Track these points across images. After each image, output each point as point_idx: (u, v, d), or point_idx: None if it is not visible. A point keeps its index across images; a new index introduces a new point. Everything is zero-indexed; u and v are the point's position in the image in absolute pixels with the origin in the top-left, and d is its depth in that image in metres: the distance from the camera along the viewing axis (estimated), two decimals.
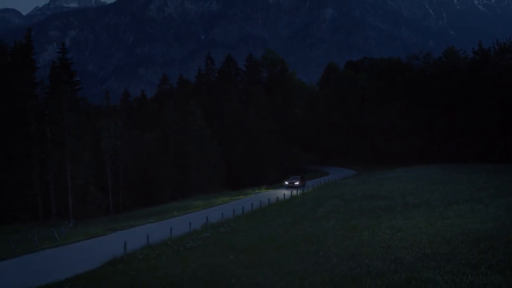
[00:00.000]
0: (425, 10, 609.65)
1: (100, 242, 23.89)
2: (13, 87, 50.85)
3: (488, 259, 12.46)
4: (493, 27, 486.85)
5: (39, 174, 50.91)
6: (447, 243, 14.92)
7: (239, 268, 15.27)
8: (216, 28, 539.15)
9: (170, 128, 71.84)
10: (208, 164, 67.13)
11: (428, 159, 68.92)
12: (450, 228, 17.44)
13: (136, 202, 59.24)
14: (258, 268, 15.02)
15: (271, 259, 16.08)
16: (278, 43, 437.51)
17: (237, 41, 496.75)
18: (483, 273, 11.27)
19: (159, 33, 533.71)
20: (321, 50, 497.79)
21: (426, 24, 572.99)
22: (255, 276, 13.89)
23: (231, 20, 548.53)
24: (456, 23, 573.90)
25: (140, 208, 47.43)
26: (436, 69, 79.17)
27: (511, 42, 70.20)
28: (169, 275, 15.09)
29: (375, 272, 12.47)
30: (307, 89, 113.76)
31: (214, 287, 13.27)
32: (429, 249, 14.49)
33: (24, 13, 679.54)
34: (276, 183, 58.90)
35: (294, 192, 43.12)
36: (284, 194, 40.10)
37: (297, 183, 52.09)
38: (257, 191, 50.69)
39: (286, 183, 53.46)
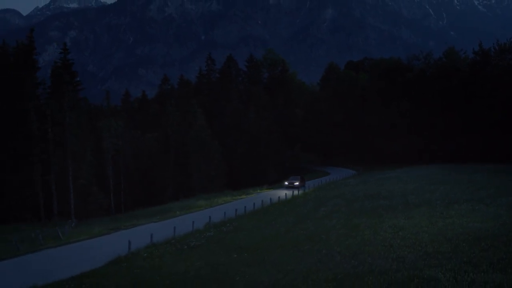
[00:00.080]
0: (425, 10, 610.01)
1: (104, 241, 24.02)
2: (15, 87, 50.96)
3: (489, 257, 12.61)
4: (493, 28, 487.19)
5: (41, 174, 51.00)
6: (449, 242, 15.08)
7: (242, 266, 15.40)
8: (216, 28, 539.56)
9: (171, 128, 72.04)
10: (209, 164, 67.25)
11: (428, 159, 69.04)
12: (451, 227, 17.60)
13: (137, 202, 59.37)
14: (261, 266, 15.15)
15: (274, 258, 16.21)
16: (278, 44, 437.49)
17: (237, 41, 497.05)
18: (484, 271, 11.41)
19: (159, 34, 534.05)
20: (321, 51, 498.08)
21: (426, 24, 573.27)
22: (259, 274, 14.03)
23: (231, 20, 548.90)
24: (456, 23, 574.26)
25: (142, 208, 47.53)
26: (436, 70, 79.30)
27: (511, 43, 70.35)
28: (173, 274, 15.22)
29: (377, 270, 12.63)
30: (307, 89, 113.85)
31: (218, 285, 13.38)
32: (431, 247, 14.65)
33: (24, 13, 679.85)
34: (277, 183, 58.94)
35: (296, 192, 43.22)
36: (285, 194, 40.25)
37: (297, 183, 51.59)
38: (258, 191, 50.77)
39: (286, 183, 53.05)
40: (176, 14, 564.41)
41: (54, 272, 16.52)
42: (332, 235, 18.83)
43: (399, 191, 31.94)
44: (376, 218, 21.62)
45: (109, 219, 42.12)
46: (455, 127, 70.84)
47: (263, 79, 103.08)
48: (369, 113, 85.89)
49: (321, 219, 23.71)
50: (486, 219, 18.36)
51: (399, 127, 78.92)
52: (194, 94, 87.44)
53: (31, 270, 17.46)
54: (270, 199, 36.65)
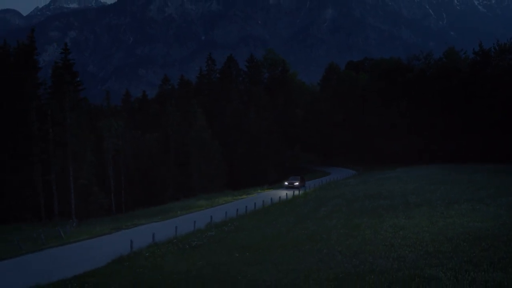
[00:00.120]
0: (425, 11, 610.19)
1: (106, 240, 24.09)
2: (15, 87, 51.02)
3: (490, 256, 12.71)
4: (493, 28, 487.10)
5: (42, 174, 51.06)
6: (449, 241, 15.18)
7: (244, 265, 15.47)
8: (216, 28, 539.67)
9: (171, 128, 72.10)
10: (209, 165, 67.31)
11: (428, 159, 69.13)
12: (452, 226, 17.71)
13: (138, 202, 59.39)
14: (263, 265, 15.22)
15: (275, 257, 16.30)
16: (278, 44, 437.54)
17: (237, 41, 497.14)
18: (485, 270, 11.51)
19: (159, 34, 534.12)
20: (321, 51, 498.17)
21: (426, 25, 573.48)
22: (260, 273, 14.10)
23: (231, 20, 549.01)
24: (456, 23, 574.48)
25: (142, 208, 47.58)
26: (436, 70, 79.40)
27: (511, 43, 70.44)
28: (175, 273, 15.29)
29: (378, 269, 12.72)
30: (307, 89, 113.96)
31: (220, 284, 13.44)
32: (432, 247, 14.75)
33: (24, 13, 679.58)
34: (277, 183, 58.99)
35: (296, 192, 43.29)
36: (286, 194, 40.37)
37: (297, 183, 51.44)
38: (259, 191, 50.83)
39: (286, 183, 52.89)
40: (176, 14, 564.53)
41: (57, 272, 16.59)
42: (333, 235, 18.91)
43: (399, 191, 32.06)
44: (377, 218, 21.73)
45: (110, 219, 42.17)
46: (455, 127, 70.93)
47: (263, 79, 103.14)
48: (369, 113, 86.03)
49: (322, 219, 23.81)
50: (486, 219, 18.47)
51: (399, 127, 79.05)
52: (195, 94, 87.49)
53: (34, 270, 17.53)
54: (271, 199, 36.75)
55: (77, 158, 52.50)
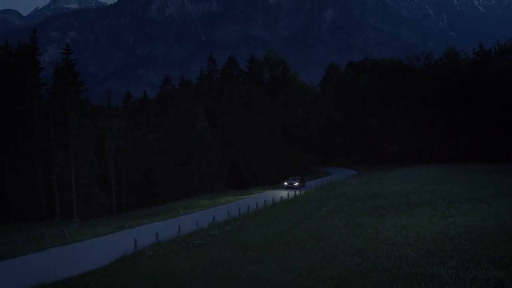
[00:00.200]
0: (425, 11, 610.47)
1: (109, 240, 24.23)
2: (17, 88, 51.18)
3: (491, 255, 12.81)
4: (493, 28, 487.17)
5: (43, 174, 51.23)
6: (450, 240, 15.27)
7: (247, 264, 15.58)
8: (216, 29, 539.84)
9: (172, 128, 72.21)
10: (210, 165, 67.39)
11: (428, 159, 69.25)
12: (453, 226, 17.78)
13: (139, 202, 59.58)
14: (265, 264, 15.33)
15: (278, 256, 16.41)
16: (278, 44, 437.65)
17: (238, 41, 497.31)
18: (486, 268, 11.63)
19: (159, 34, 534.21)
20: (321, 51, 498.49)
21: (426, 25, 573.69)
22: (264, 271, 14.21)
23: (231, 20, 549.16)
24: (456, 23, 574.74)
25: (144, 208, 47.71)
26: (437, 70, 79.54)
27: (511, 43, 70.58)
28: (179, 271, 15.39)
29: (381, 267, 12.84)
30: (308, 90, 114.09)
31: (224, 283, 13.54)
32: (433, 246, 14.85)
33: (25, 14, 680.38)
34: (278, 184, 59.09)
35: (298, 192, 43.38)
36: (288, 194, 40.51)
37: (297, 183, 51.29)
38: (260, 191, 50.93)
39: (285, 183, 52.69)
40: (176, 15, 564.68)
41: (62, 270, 16.72)
42: (335, 234, 19.00)
43: (400, 191, 32.14)
44: (378, 217, 21.81)
45: (112, 218, 42.24)
46: (455, 127, 71.04)
47: (264, 80, 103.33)
48: (370, 114, 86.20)
49: (324, 219, 23.90)
50: (487, 218, 18.55)
51: (399, 127, 79.21)
52: (195, 95, 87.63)
53: (39, 268, 17.63)
54: (273, 198, 36.86)
55: (79, 158, 52.62)
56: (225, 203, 39.82)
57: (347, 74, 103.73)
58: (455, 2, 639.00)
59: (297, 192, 42.63)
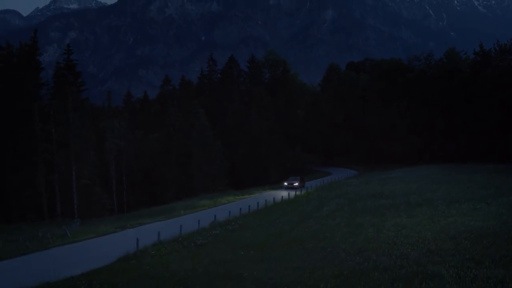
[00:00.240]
0: (425, 11, 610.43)
1: (111, 239, 24.36)
2: (18, 88, 51.32)
3: (491, 254, 12.90)
4: (493, 28, 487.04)
5: (44, 174, 51.33)
6: (451, 240, 15.36)
7: (249, 263, 15.66)
8: (216, 29, 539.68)
9: (173, 128, 72.28)
10: (211, 165, 67.45)
11: (428, 159, 69.31)
12: (454, 225, 17.88)
13: (139, 203, 59.76)
14: (267, 263, 15.42)
15: (280, 255, 16.50)
16: (278, 44, 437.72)
17: (238, 42, 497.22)
18: (486, 267, 11.72)
19: (159, 34, 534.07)
20: (321, 51, 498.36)
21: (426, 25, 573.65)
22: (266, 270, 14.28)
23: (231, 21, 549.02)
24: (456, 24, 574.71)
25: (145, 208, 47.82)
26: (437, 70, 79.65)
27: (511, 44, 70.69)
28: (182, 270, 15.50)
29: (382, 266, 12.92)
30: (308, 90, 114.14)
31: (226, 282, 13.60)
32: (434, 245, 14.94)
33: (25, 14, 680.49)
34: (278, 184, 59.18)
35: (298, 192, 43.44)
36: (288, 193, 40.61)
37: (296, 184, 51.09)
38: (261, 191, 50.96)
39: (285, 184, 52.50)
40: (176, 15, 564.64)
41: (65, 269, 16.83)
42: (336, 233, 19.09)
43: (400, 190, 32.25)
44: (379, 217, 21.92)
45: (112, 218, 42.38)
46: (455, 127, 71.11)
47: (264, 80, 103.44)
48: (370, 114, 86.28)
49: (325, 218, 24.00)
50: (487, 218, 18.64)
51: (399, 128, 79.30)
52: (196, 95, 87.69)
53: (42, 268, 17.73)
54: (274, 198, 36.99)
55: (80, 158, 52.74)
56: (226, 203, 39.92)
57: (347, 75, 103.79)
58: (455, 2, 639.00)
59: (298, 192, 42.70)
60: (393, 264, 13.10)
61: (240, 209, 30.72)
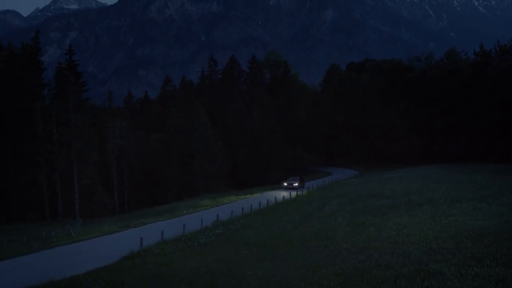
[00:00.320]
0: (425, 12, 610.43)
1: (115, 238, 24.47)
2: (20, 88, 51.50)
3: (492, 253, 13.05)
4: (493, 29, 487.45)
5: (46, 174, 51.49)
6: (452, 239, 15.49)
7: (253, 262, 15.79)
8: (216, 29, 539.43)
9: (174, 128, 72.40)
10: (212, 165, 67.56)
11: (428, 159, 69.53)
12: (455, 224, 18.01)
13: (141, 203, 59.86)
14: (271, 262, 15.53)
15: (283, 254, 16.63)
16: (278, 45, 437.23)
17: (238, 42, 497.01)
18: (487, 265, 11.87)
19: (159, 35, 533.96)
20: (321, 52, 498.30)
21: (427, 26, 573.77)
22: (269, 269, 14.38)
23: (231, 21, 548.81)
24: (456, 24, 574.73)
25: (147, 208, 47.94)
26: (437, 70, 79.90)
27: None
28: (186, 269, 15.59)
29: (384, 264, 13.06)
30: (309, 90, 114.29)
31: (230, 280, 13.70)
32: (435, 244, 15.07)
33: (25, 14, 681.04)
34: (279, 184, 59.26)
35: (300, 191, 43.54)
36: (290, 193, 40.76)
37: (296, 184, 50.72)
38: (263, 191, 50.98)
39: (285, 184, 52.18)
40: (176, 15, 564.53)
41: (69, 268, 16.94)
42: (338, 233, 19.21)
43: (401, 190, 32.43)
44: (380, 216, 22.06)
45: (114, 218, 42.43)
46: (455, 127, 71.32)
47: (265, 80, 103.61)
48: (370, 114, 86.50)
49: (326, 217, 24.14)
50: (488, 217, 18.79)
51: (400, 128, 79.54)
52: (196, 95, 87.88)
53: (47, 266, 17.82)
54: (275, 198, 37.17)
55: (81, 158, 52.91)
56: (227, 203, 40.03)
57: (347, 75, 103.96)
58: (455, 2, 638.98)
59: (299, 192, 42.82)
60: (395, 262, 13.22)
61: (242, 208, 30.90)
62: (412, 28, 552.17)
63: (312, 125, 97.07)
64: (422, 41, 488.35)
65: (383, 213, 23.01)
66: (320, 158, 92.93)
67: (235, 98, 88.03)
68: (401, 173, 52.51)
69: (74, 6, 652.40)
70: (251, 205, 32.32)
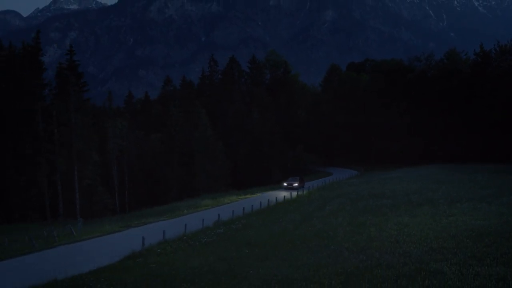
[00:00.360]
0: (425, 12, 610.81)
1: (116, 238, 24.54)
2: (21, 88, 51.56)
3: (493, 252, 13.10)
4: (493, 29, 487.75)
5: (47, 174, 51.56)
6: (453, 238, 15.56)
7: (254, 261, 15.87)
8: (216, 30, 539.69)
9: (175, 128, 72.49)
10: (213, 165, 67.65)
11: (429, 159, 69.64)
12: (455, 224, 18.08)
13: (141, 203, 59.92)
14: (272, 261, 15.62)
15: (284, 253, 16.70)
16: (278, 45, 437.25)
17: (238, 43, 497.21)
18: (488, 264, 11.92)
19: (159, 35, 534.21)
20: (321, 52, 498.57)
21: (427, 26, 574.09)
22: (271, 268, 14.47)
23: (231, 21, 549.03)
24: (456, 24, 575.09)
25: (147, 208, 47.99)
26: (437, 71, 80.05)
27: None
28: (188, 268, 15.68)
29: (385, 264, 13.12)
30: (309, 90, 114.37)
31: (233, 278, 13.79)
32: (436, 243, 15.13)
33: (25, 14, 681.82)
34: (279, 184, 59.33)
35: (300, 191, 43.61)
36: (290, 193, 40.85)
37: (296, 184, 50.66)
38: (263, 191, 51.04)
39: (285, 184, 52.13)
40: (176, 16, 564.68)
41: (72, 267, 16.98)
42: (339, 232, 19.28)
43: (401, 190, 32.50)
44: (381, 216, 22.12)
45: (115, 218, 42.46)
46: (456, 127, 71.45)
47: (265, 80, 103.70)
48: (370, 114, 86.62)
49: (327, 217, 24.21)
50: (488, 217, 18.85)
51: (400, 128, 79.68)
52: (197, 95, 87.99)
53: (50, 265, 17.87)
54: (276, 198, 37.24)
55: (82, 158, 52.93)
56: (228, 203, 40.08)
57: (348, 75, 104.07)
58: (455, 2, 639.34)
59: (300, 192, 42.89)
60: (396, 261, 13.27)
61: (243, 208, 30.99)
62: (412, 28, 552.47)
63: (312, 125, 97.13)
64: (422, 41, 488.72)
65: (384, 213, 23.08)
66: (320, 158, 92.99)
67: (235, 98, 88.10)
68: (401, 173, 52.62)
69: (74, 6, 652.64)
70: (252, 205, 32.41)
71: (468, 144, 68.12)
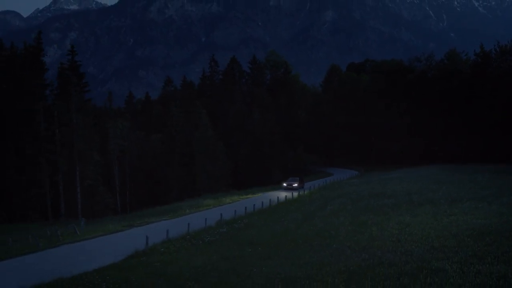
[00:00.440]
0: (425, 12, 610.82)
1: (120, 237, 24.68)
2: (22, 88, 51.72)
3: (494, 251, 13.20)
4: (493, 29, 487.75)
5: (49, 174, 51.69)
6: (454, 237, 15.66)
7: (258, 260, 16.00)
8: (216, 30, 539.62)
9: (175, 129, 72.61)
10: (214, 165, 67.76)
11: (429, 160, 69.76)
12: (456, 223, 18.18)
13: (142, 203, 60.03)
14: (275, 260, 15.74)
15: (287, 252, 16.84)
16: (278, 45, 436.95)
17: (238, 43, 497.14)
18: (489, 263, 12.02)
19: (159, 35, 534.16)
20: (321, 52, 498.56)
21: (427, 26, 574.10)
22: (274, 266, 14.59)
23: (231, 22, 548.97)
24: (457, 25, 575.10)
25: (149, 207, 48.10)
26: (437, 71, 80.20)
27: None
28: (191, 266, 15.80)
29: (387, 262, 13.23)
30: (309, 91, 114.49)
31: (236, 277, 13.90)
32: (437, 242, 15.23)
33: (25, 15, 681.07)
34: (279, 184, 59.41)
35: (301, 191, 43.68)
36: (292, 193, 40.96)
37: (296, 184, 50.66)
38: (264, 191, 51.16)
39: (284, 184, 52.05)
40: (176, 16, 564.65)
41: (77, 266, 17.13)
42: (341, 231, 19.39)
43: (402, 190, 32.60)
44: (382, 216, 22.21)
45: (116, 218, 42.55)
46: (456, 127, 71.59)
47: (265, 81, 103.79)
48: (371, 115, 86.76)
49: (329, 217, 24.33)
50: (489, 216, 18.93)
51: (400, 128, 79.81)
52: (197, 96, 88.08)
53: (54, 264, 18.00)
54: (278, 198, 37.36)
55: (83, 158, 53.08)
56: (230, 203, 40.19)
57: (348, 76, 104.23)
58: (455, 3, 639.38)
59: (301, 192, 43.00)
60: (398, 260, 13.38)
61: (245, 208, 31.10)
62: (412, 29, 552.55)
63: (313, 126, 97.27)
64: (422, 42, 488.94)
65: (385, 213, 23.18)
66: (321, 158, 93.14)
67: (236, 98, 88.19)
68: (401, 174, 52.76)
69: (74, 7, 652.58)
70: (254, 205, 32.55)
71: (468, 145, 68.26)
